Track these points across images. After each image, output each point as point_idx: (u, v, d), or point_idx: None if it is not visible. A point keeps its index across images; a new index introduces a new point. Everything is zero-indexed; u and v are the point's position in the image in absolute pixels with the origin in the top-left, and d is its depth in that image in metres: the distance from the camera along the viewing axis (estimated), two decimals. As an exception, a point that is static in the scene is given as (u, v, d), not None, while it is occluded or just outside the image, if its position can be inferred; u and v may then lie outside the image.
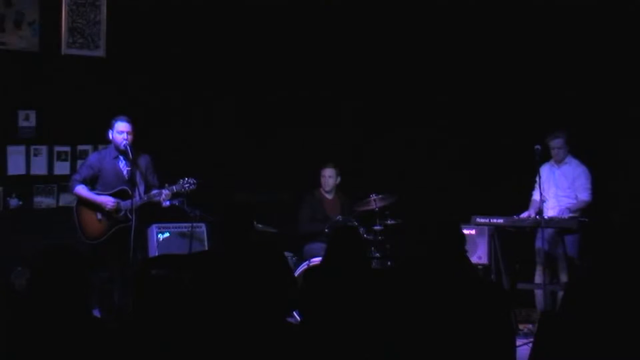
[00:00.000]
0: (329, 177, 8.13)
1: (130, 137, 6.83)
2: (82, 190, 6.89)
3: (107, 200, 6.82)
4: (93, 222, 6.86)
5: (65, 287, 4.24)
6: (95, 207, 6.86)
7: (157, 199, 6.85)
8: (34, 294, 4.26)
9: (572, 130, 7.66)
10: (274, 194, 8.36)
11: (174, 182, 6.90)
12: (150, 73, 8.09)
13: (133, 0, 8.02)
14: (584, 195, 7.50)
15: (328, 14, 8.69)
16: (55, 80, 7.75)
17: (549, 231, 7.31)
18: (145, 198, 6.81)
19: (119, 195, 6.84)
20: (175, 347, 4.19)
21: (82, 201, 6.90)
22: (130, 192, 6.76)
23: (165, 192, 6.85)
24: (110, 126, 6.89)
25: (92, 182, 6.95)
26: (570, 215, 7.35)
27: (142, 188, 6.84)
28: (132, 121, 6.88)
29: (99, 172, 6.93)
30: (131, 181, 6.77)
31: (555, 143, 7.54)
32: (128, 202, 6.77)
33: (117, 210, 6.81)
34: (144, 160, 6.98)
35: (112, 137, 6.89)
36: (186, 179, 6.89)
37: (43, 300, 4.20)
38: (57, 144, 7.82)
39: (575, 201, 7.51)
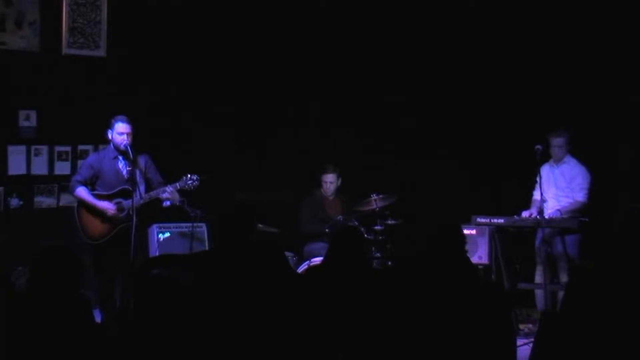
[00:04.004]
0: (330, 183, 8.11)
1: (130, 137, 6.81)
2: (83, 193, 6.83)
3: (108, 207, 6.79)
4: (96, 222, 6.82)
5: (63, 287, 4.25)
6: (97, 210, 6.83)
7: (160, 195, 6.85)
8: (32, 295, 4.27)
9: (572, 130, 7.65)
10: (275, 194, 8.36)
11: (176, 180, 6.90)
12: (150, 73, 8.09)
13: (133, 0, 8.02)
14: (580, 196, 7.50)
15: (327, 15, 8.69)
16: (56, 80, 7.75)
17: (549, 231, 7.32)
18: (147, 197, 6.80)
19: (120, 195, 6.83)
20: (176, 346, 4.20)
21: (82, 203, 6.87)
22: (131, 192, 6.75)
23: (169, 188, 6.84)
24: (109, 126, 6.87)
25: (91, 183, 6.93)
26: (564, 216, 7.35)
27: (142, 187, 6.83)
28: (131, 121, 6.87)
29: (99, 173, 6.89)
30: (131, 180, 6.76)
31: (557, 142, 7.53)
32: (130, 201, 6.75)
33: (120, 210, 6.80)
34: (142, 160, 6.96)
35: (112, 137, 6.86)
36: (189, 175, 6.88)
37: (41, 300, 4.21)
38: (58, 143, 7.82)
39: (572, 201, 7.51)
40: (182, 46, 8.25)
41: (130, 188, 6.74)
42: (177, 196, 6.91)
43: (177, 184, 6.87)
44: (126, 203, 6.78)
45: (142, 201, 6.74)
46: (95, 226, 6.82)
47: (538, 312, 7.56)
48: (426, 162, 8.76)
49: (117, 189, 6.82)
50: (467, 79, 8.78)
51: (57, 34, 7.76)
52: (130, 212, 6.69)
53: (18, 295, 4.41)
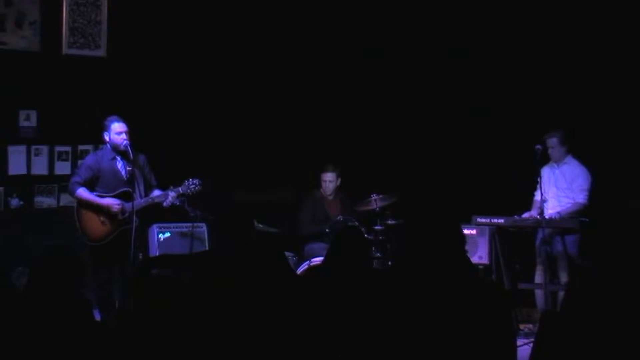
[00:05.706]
0: (330, 181, 8.11)
1: (127, 136, 6.76)
2: (84, 193, 6.72)
3: (113, 203, 6.71)
4: (96, 224, 6.73)
5: (63, 287, 4.26)
6: (98, 209, 6.73)
7: (161, 200, 6.80)
8: (32, 295, 4.27)
9: (572, 130, 7.66)
10: (275, 194, 8.36)
11: (176, 182, 6.88)
12: (150, 73, 8.08)
13: (133, 0, 8.02)
14: (580, 198, 7.50)
15: (327, 13, 8.69)
16: (56, 80, 7.75)
17: (549, 231, 7.32)
18: (150, 200, 6.76)
19: (120, 197, 6.76)
20: (176, 347, 4.20)
21: (83, 203, 6.75)
22: (132, 194, 6.70)
23: (172, 194, 6.79)
24: (104, 128, 6.78)
25: (90, 185, 6.84)
26: (564, 217, 7.35)
27: (141, 187, 6.80)
28: (126, 120, 6.81)
29: (98, 174, 6.79)
30: (131, 182, 6.72)
31: (551, 142, 7.55)
32: (131, 203, 6.68)
33: (122, 211, 6.74)
34: (141, 159, 6.93)
35: (110, 138, 6.77)
36: (191, 180, 6.84)
37: (41, 300, 4.21)
38: (58, 143, 7.82)
39: (572, 202, 7.51)
40: (182, 46, 8.24)
41: (131, 190, 6.70)
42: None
43: (180, 189, 6.83)
44: (127, 205, 6.71)
45: (144, 204, 6.70)
46: (96, 228, 6.73)
47: (538, 312, 7.56)
48: (426, 162, 8.75)
49: (117, 191, 6.75)
50: (468, 79, 8.77)
51: (57, 34, 7.76)
52: (131, 215, 6.65)
53: (18, 295, 4.41)
